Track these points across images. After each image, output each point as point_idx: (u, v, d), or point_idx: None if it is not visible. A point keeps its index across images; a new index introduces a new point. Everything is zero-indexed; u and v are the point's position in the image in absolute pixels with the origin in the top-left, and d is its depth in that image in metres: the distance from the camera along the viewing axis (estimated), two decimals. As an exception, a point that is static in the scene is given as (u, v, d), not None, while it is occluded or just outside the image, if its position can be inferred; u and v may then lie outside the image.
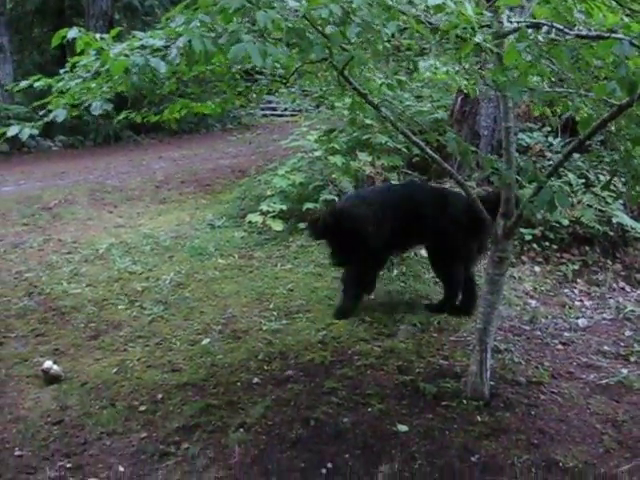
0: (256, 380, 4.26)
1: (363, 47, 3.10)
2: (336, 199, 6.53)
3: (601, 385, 4.28)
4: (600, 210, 6.36)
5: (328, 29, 2.71)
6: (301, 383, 4.21)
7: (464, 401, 3.98)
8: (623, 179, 4.64)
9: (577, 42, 2.78)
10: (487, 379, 4.01)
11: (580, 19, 2.87)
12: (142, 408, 3.99)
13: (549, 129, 7.12)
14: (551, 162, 6.43)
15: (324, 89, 4.74)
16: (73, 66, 3.25)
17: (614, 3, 2.82)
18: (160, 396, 4.11)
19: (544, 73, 3.00)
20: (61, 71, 3.34)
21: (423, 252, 6.09)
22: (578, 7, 2.82)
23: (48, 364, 4.35)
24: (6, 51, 16.64)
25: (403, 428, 3.73)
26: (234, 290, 5.66)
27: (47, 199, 9.54)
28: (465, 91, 4.68)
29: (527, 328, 5.16)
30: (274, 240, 6.83)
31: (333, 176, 6.96)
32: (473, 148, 3.26)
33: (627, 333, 5.11)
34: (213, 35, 2.57)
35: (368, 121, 6.63)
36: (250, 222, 7.08)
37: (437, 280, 5.77)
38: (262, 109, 20.29)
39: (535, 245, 6.26)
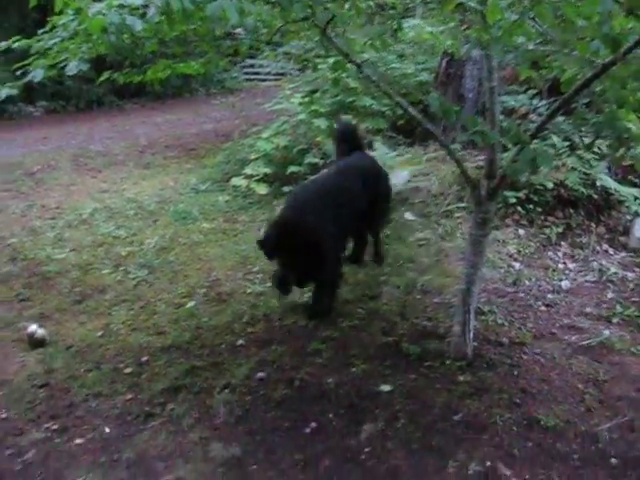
0: (240, 342, 4.28)
1: (346, 6, 3.07)
2: (320, 162, 6.51)
3: (583, 346, 4.31)
4: (584, 173, 6.35)
5: (310, -14, 2.68)
6: (285, 345, 4.23)
7: (447, 361, 4.01)
8: (607, 142, 4.63)
9: (561, 0, 2.76)
10: (470, 340, 4.04)
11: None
12: (127, 370, 4.01)
13: (534, 92, 7.09)
14: (536, 125, 6.40)
15: (307, 50, 4.70)
16: (53, 27, 3.19)
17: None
18: (145, 358, 4.13)
19: (529, 33, 2.98)
20: (40, 31, 3.28)
21: (407, 215, 6.11)
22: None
23: (33, 328, 4.35)
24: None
25: (386, 388, 3.76)
26: (218, 254, 5.65)
27: (29, 165, 9.47)
28: (450, 52, 4.65)
29: (510, 290, 5.18)
30: (258, 204, 6.82)
31: (317, 139, 6.94)
32: (456, 107, 3.23)
33: (609, 295, 5.14)
34: (191, -7, 2.52)
35: (352, 84, 6.61)
36: (234, 186, 7.06)
37: (421, 243, 5.80)
38: (245, 73, 20.11)
39: (519, 208, 6.25)
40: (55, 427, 3.50)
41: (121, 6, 2.75)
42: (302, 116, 7.18)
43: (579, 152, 6.48)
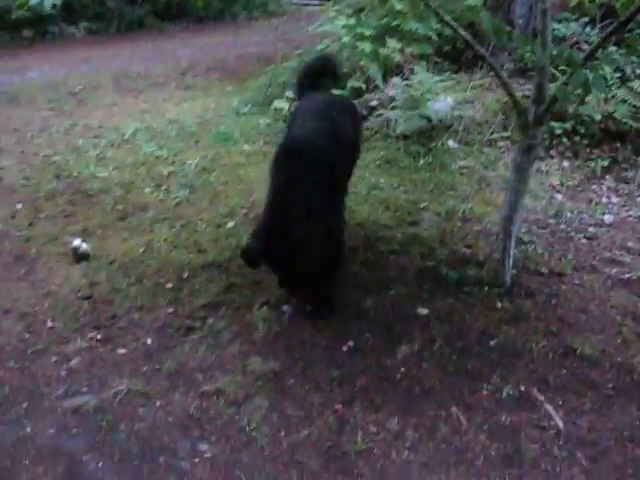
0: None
1: None
2: (363, 86, 6.40)
3: (623, 279, 4.27)
4: (634, 106, 6.18)
5: None
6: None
7: (485, 288, 4.02)
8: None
9: None
10: (509, 267, 4.03)
11: None
12: (168, 286, 4.09)
13: (587, 20, 6.86)
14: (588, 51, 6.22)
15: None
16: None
17: None
18: (186, 275, 4.20)
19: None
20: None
21: (450, 142, 6.03)
22: None
23: (77, 242, 4.44)
24: None
25: (424, 311, 3.80)
26: (259, 176, 5.64)
27: (72, 85, 9.48)
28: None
29: (552, 222, 5.13)
30: (299, 127, 6.76)
31: (361, 63, 6.81)
32: (508, 27, 3.14)
33: (652, 231, 5.07)
34: None
35: (398, 6, 6.42)
36: (276, 109, 7.01)
37: (463, 171, 5.74)
38: (288, -3, 19.69)
39: (565, 139, 6.13)
40: (99, 337, 3.60)
41: None
42: (346, 39, 7.02)
43: (630, 84, 6.30)
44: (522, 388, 3.22)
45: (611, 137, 6.21)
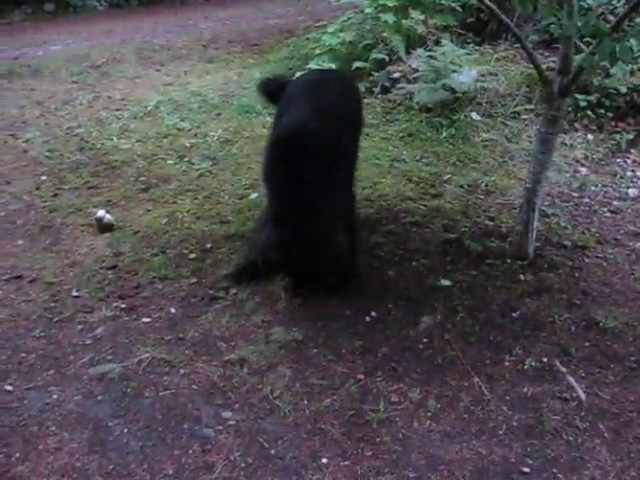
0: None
1: None
2: (386, 58, 6.35)
3: (647, 253, 4.26)
4: (660, 79, 6.10)
5: None
6: (347, 237, 4.27)
7: (508, 260, 4.01)
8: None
9: None
10: (533, 239, 4.02)
11: None
12: (192, 256, 4.11)
13: (613, -10, 6.74)
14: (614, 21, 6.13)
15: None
16: None
17: None
18: (209, 245, 4.22)
19: None
20: None
21: (474, 115, 5.98)
22: None
23: (101, 213, 4.46)
24: None
25: (446, 283, 3.80)
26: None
27: (95, 58, 9.49)
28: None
29: (575, 195, 5.10)
30: (322, 98, 6.74)
31: (384, 35, 6.76)
32: (533, -3, 3.10)
33: (678, 205, 5.02)
34: None
35: (423, -23, 6.35)
36: (298, 81, 6.96)
37: (486, 144, 5.70)
38: (311, -31, 19.50)
39: (589, 112, 6.06)
40: (123, 306, 3.63)
41: None
42: (369, 10, 6.96)
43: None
44: (544, 360, 3.23)
45: (637, 110, 6.12)
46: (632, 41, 6.22)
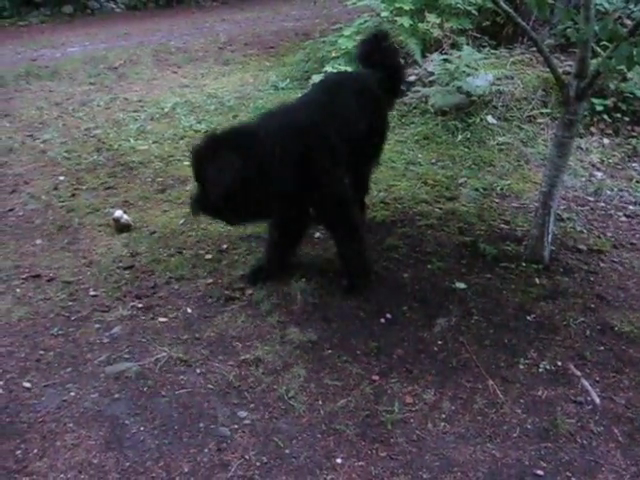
0: (318, 235, 4.35)
1: None
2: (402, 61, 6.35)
3: (663, 257, 4.24)
4: (678, 83, 6.09)
5: None
6: (362, 239, 4.29)
7: (523, 264, 4.01)
8: None
9: None
10: (548, 243, 4.02)
11: None
12: (208, 257, 4.14)
13: (631, -6, 6.73)
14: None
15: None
16: None
17: None
18: (225, 246, 4.25)
19: None
20: None
21: (489, 118, 5.98)
22: None
23: (119, 213, 4.50)
24: None
25: (461, 285, 3.81)
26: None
27: (112, 59, 9.58)
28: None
29: (591, 199, 5.10)
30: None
31: (400, 38, 6.77)
32: (551, 1, 3.10)
33: (695, 211, 5.00)
34: None
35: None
36: (314, 84, 6.99)
37: (502, 147, 5.71)
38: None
39: (605, 116, 6.06)
40: (140, 305, 3.67)
41: None
42: (385, 13, 6.99)
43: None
44: (559, 363, 3.22)
45: (653, 115, 6.12)
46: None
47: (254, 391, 3.02)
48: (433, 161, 5.55)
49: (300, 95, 4.19)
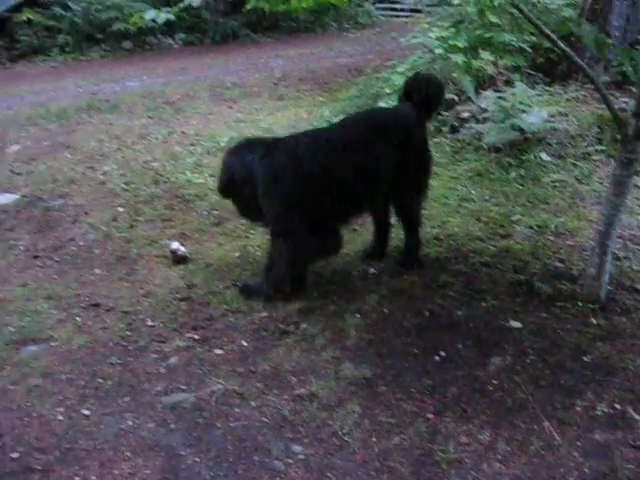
0: (372, 270, 4.38)
1: None
2: (455, 97, 6.38)
3: None
4: None
5: None
6: (415, 275, 4.29)
7: (579, 303, 3.96)
8: None
9: None
10: (605, 283, 3.97)
11: None
12: (263, 290, 4.19)
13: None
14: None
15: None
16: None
17: None
18: (280, 280, 4.29)
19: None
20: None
21: (543, 155, 5.97)
22: None
23: (176, 245, 4.60)
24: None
25: (516, 324, 3.77)
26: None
27: (170, 94, 9.83)
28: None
29: (648, 238, 5.02)
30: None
31: (454, 75, 6.82)
32: (610, 40, 3.10)
33: None
34: None
35: (493, 18, 6.41)
36: (367, 120, 7.06)
37: (556, 185, 5.67)
38: (378, 9, 19.79)
39: (663, 154, 5.97)
40: (196, 337, 3.73)
41: None
42: (439, 51, 7.05)
43: None
44: (617, 406, 3.16)
45: None
46: None
47: (308, 426, 3.03)
48: (486, 198, 5.54)
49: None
